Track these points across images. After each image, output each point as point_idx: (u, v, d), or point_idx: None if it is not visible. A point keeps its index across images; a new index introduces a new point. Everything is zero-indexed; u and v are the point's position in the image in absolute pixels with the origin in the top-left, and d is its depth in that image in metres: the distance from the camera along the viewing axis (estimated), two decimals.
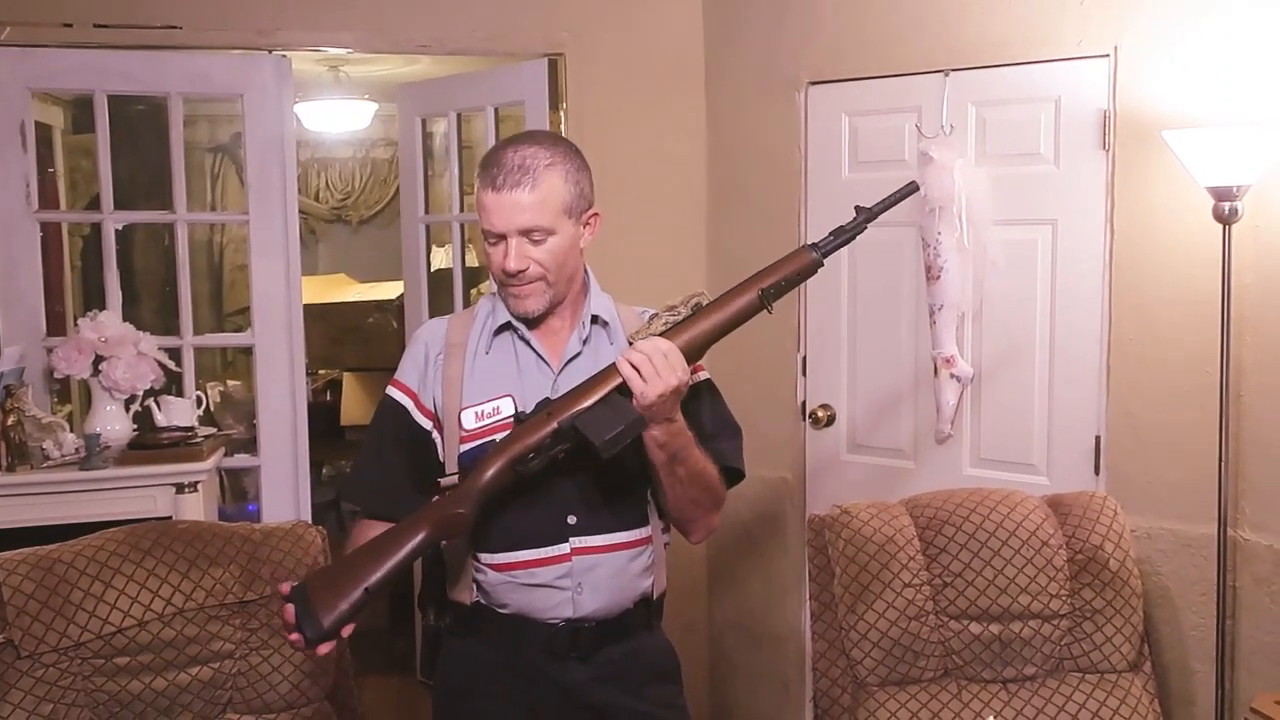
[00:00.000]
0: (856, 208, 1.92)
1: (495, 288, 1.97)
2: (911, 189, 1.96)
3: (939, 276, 3.07)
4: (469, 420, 1.90)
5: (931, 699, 2.35)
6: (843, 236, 1.90)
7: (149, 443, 3.24)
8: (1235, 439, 2.67)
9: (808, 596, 2.53)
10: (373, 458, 1.98)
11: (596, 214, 1.94)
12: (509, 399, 1.90)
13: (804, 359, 3.49)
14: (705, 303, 1.83)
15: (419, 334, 2.04)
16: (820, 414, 3.45)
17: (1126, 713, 2.34)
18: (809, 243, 1.90)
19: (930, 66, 3.12)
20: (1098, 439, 2.96)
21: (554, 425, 1.77)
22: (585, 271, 1.98)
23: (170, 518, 3.00)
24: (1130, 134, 2.81)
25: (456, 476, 1.87)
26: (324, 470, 6.00)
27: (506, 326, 1.94)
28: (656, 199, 3.65)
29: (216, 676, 2.14)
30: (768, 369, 3.55)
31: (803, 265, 1.87)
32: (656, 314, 1.85)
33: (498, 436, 1.86)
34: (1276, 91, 2.59)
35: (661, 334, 1.80)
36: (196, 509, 3.14)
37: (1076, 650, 2.38)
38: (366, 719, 2.32)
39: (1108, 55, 2.84)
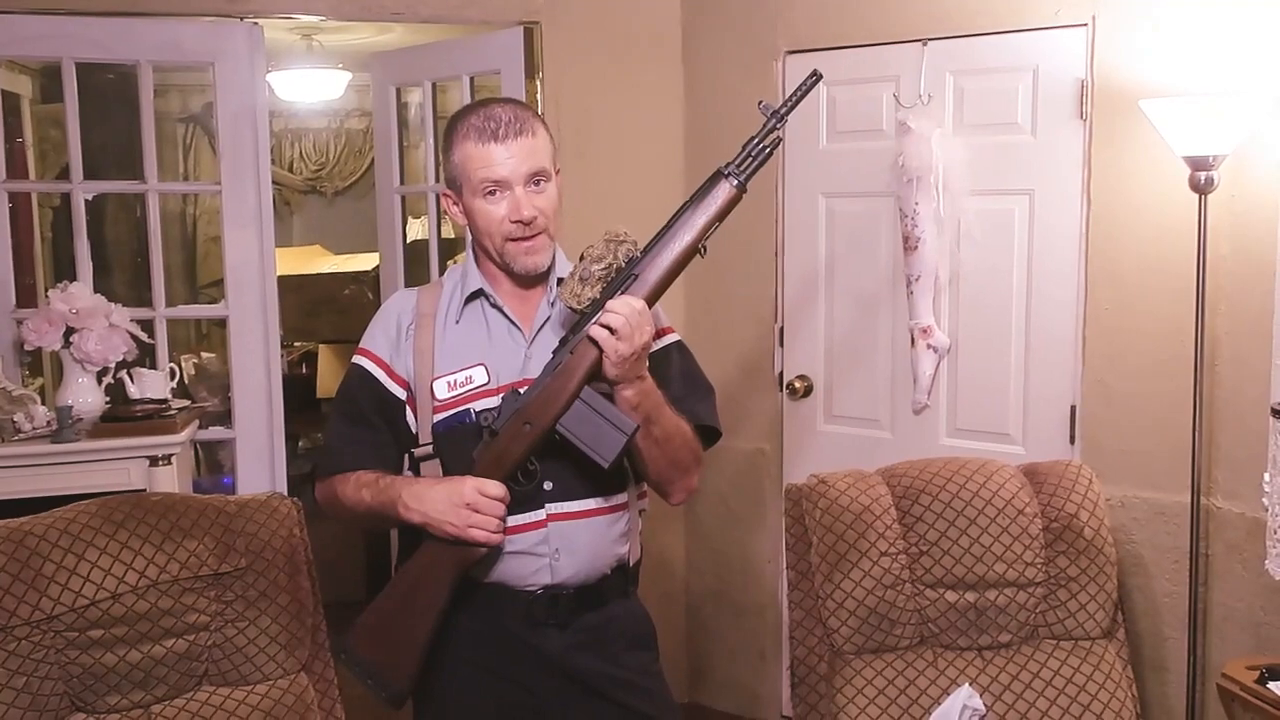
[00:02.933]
0: (762, 107, 1.86)
1: (471, 253, 1.96)
2: (815, 78, 1.87)
3: (916, 247, 3.07)
4: (441, 390, 1.89)
5: (907, 666, 2.37)
6: (759, 154, 1.82)
7: (122, 415, 3.21)
8: (1209, 408, 2.69)
9: (785, 566, 2.53)
10: (348, 426, 1.97)
11: (559, 170, 1.95)
12: (481, 367, 1.89)
13: (781, 330, 3.49)
14: (635, 252, 1.81)
15: (389, 305, 2.03)
16: (797, 385, 3.46)
17: (1100, 679, 2.36)
18: (725, 167, 1.82)
19: (908, 36, 3.11)
20: (1073, 409, 2.98)
21: (537, 435, 1.79)
22: None
23: (144, 490, 2.98)
24: (1107, 104, 2.81)
25: (431, 447, 1.89)
26: (300, 443, 5.97)
27: (477, 294, 1.93)
28: (633, 168, 3.63)
29: (192, 649, 2.12)
30: (745, 340, 3.55)
31: (727, 200, 1.81)
32: (585, 268, 1.80)
33: (472, 405, 1.86)
34: (1253, 61, 2.59)
35: (602, 299, 1.78)
36: (170, 482, 3.12)
37: (1051, 617, 2.40)
38: (343, 690, 2.31)
39: (1085, 24, 2.84)
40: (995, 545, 2.37)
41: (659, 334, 1.96)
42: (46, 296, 3.30)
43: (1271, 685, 2.27)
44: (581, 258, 1.81)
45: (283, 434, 3.65)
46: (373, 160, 5.15)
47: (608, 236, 1.82)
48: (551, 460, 1.85)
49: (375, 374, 1.95)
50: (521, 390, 1.83)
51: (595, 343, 1.76)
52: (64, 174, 3.58)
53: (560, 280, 1.91)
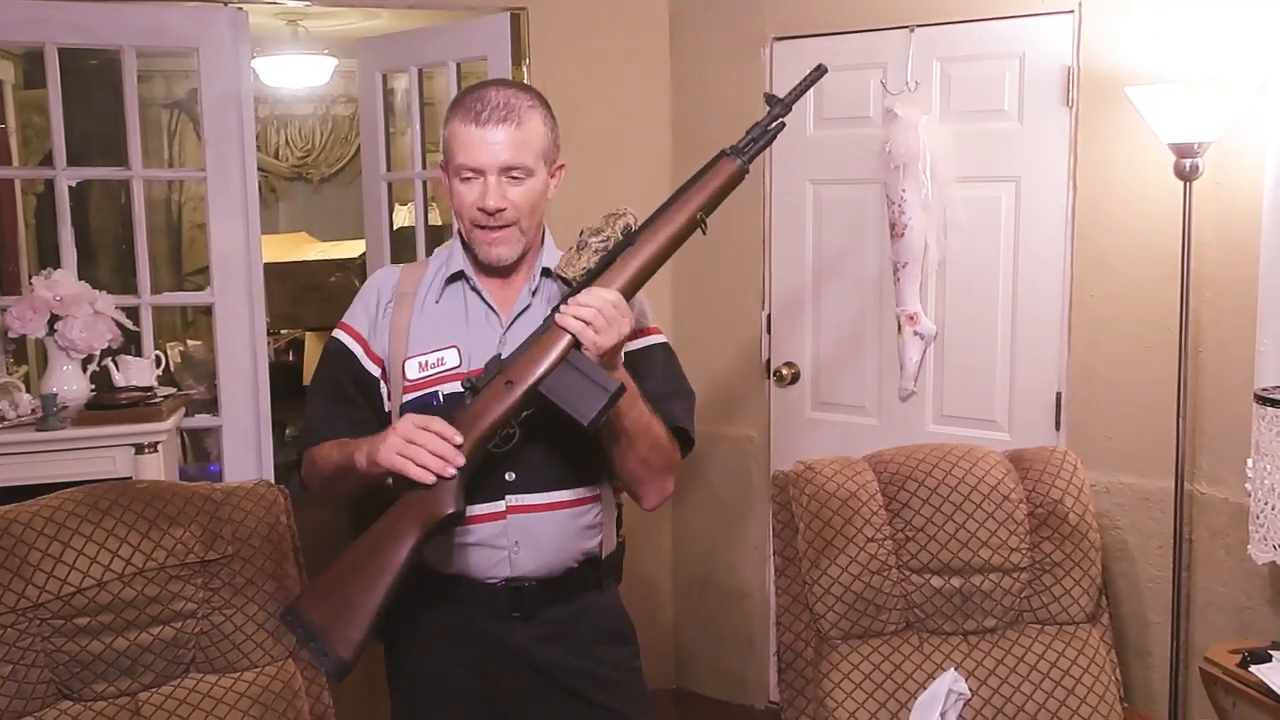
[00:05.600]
0: (767, 96, 1.85)
1: (458, 236, 1.93)
2: (820, 72, 1.89)
3: (903, 234, 3.08)
4: (413, 370, 1.86)
5: (893, 651, 2.38)
6: (762, 137, 1.82)
7: (107, 403, 3.19)
8: (1193, 394, 2.70)
9: (772, 552, 2.54)
10: (327, 402, 1.94)
11: (562, 165, 1.91)
12: (454, 350, 1.86)
13: (768, 316, 3.49)
14: (634, 225, 1.77)
15: (371, 281, 2.01)
16: (785, 371, 3.46)
17: (1084, 663, 2.37)
18: (729, 148, 1.81)
19: (895, 22, 3.11)
20: (1059, 395, 2.99)
21: (518, 395, 1.72)
22: (540, 227, 1.94)
23: (130, 478, 2.97)
24: (1093, 90, 2.82)
25: None
26: (287, 430, 5.95)
27: (459, 276, 1.91)
28: (620, 155, 3.62)
29: (179, 636, 2.12)
30: (732, 327, 3.55)
31: (730, 176, 1.80)
32: (583, 240, 1.77)
33: (441, 388, 1.83)
34: (1239, 48, 2.60)
35: (598, 267, 1.75)
36: (156, 469, 3.11)
37: (1036, 602, 2.41)
38: (330, 677, 2.31)
39: (1072, 11, 2.84)
40: (980, 531, 2.39)
41: (645, 333, 1.94)
42: (30, 284, 3.28)
43: (1254, 669, 2.29)
44: (581, 232, 1.78)
45: (269, 421, 3.64)
46: (359, 147, 5.14)
47: (609, 211, 1.79)
48: (517, 450, 1.79)
49: (353, 349, 1.92)
50: (500, 355, 1.78)
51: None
52: (47, 160, 3.56)
53: (546, 270, 1.90)
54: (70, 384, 3.22)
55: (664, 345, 1.99)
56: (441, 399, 1.83)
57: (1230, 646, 2.42)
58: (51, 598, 2.03)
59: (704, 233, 1.80)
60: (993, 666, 2.37)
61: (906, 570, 2.40)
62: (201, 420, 3.71)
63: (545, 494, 1.86)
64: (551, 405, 1.72)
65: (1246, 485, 2.36)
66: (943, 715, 2.27)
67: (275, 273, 5.41)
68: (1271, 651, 2.34)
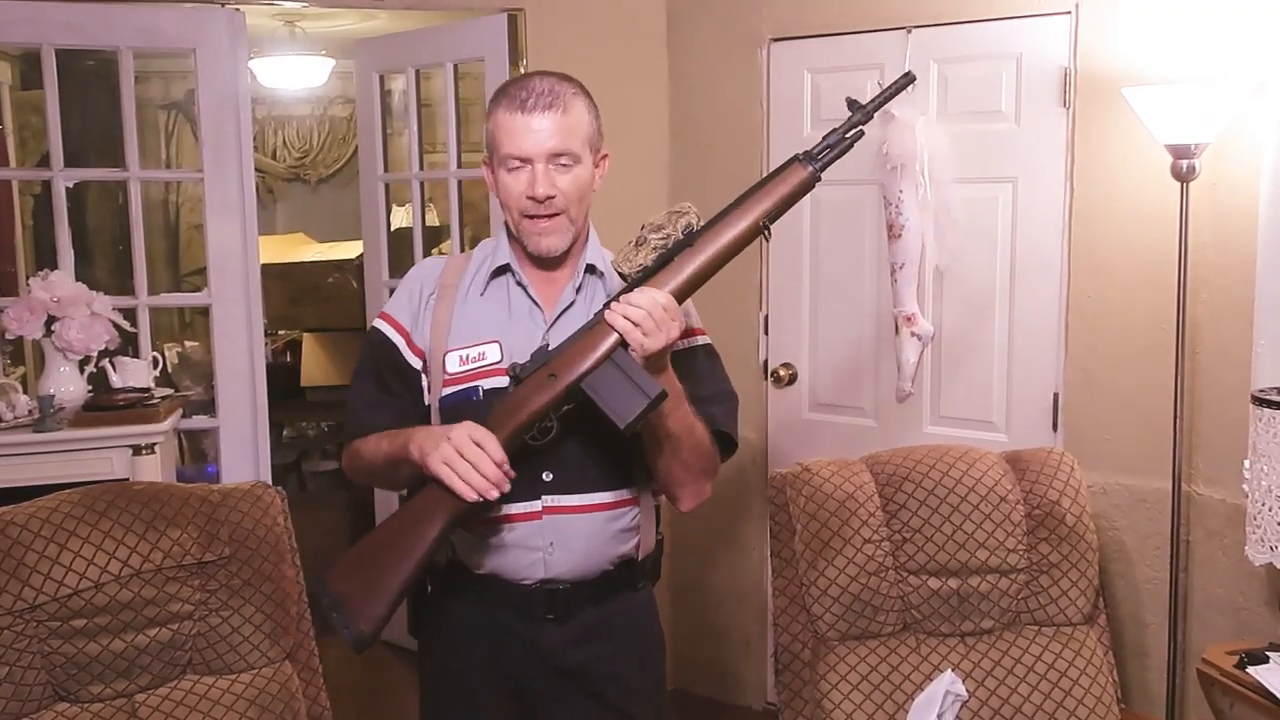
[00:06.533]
0: (849, 101, 1.79)
1: (503, 229, 1.90)
2: (909, 79, 1.84)
3: (900, 235, 3.06)
4: (453, 363, 1.84)
5: (890, 653, 2.38)
6: (839, 144, 1.77)
7: (104, 404, 3.19)
8: (1190, 396, 2.70)
9: (769, 553, 2.54)
10: (372, 392, 1.92)
11: (606, 155, 1.89)
12: (495, 344, 1.83)
13: (766, 317, 3.49)
14: (695, 225, 1.72)
15: (414, 272, 1.98)
16: (782, 373, 3.46)
17: (1081, 665, 2.37)
18: (801, 154, 1.77)
19: (892, 23, 3.11)
20: (1056, 396, 2.99)
21: (560, 389, 1.70)
22: (586, 219, 1.91)
23: (127, 480, 2.97)
24: (1091, 91, 2.82)
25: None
26: (284, 432, 5.95)
27: (504, 269, 1.88)
28: (618, 156, 3.54)
29: (175, 638, 2.12)
30: (730, 328, 3.55)
31: (800, 183, 1.75)
32: (643, 236, 1.73)
33: (482, 383, 1.81)
34: (1235, 49, 2.60)
35: (654, 267, 1.71)
36: (154, 471, 3.11)
37: (1033, 604, 2.41)
38: (328, 679, 2.31)
39: (1069, 12, 2.84)
40: (978, 532, 2.39)
41: (689, 334, 1.92)
42: (27, 285, 3.28)
43: (1251, 670, 2.29)
44: (642, 226, 1.73)
45: (267, 423, 3.64)
46: (356, 148, 5.13)
47: (672, 208, 1.74)
48: (556, 450, 1.78)
49: (395, 340, 1.90)
50: (548, 345, 1.76)
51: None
52: (44, 161, 3.56)
53: (590, 266, 1.87)
54: (67, 385, 3.21)
55: (707, 347, 1.97)
56: (482, 394, 1.81)
57: (1227, 648, 2.42)
58: (48, 599, 2.03)
59: (766, 239, 1.76)
60: (990, 668, 2.37)
61: (904, 571, 2.40)
62: (199, 421, 3.70)
63: (583, 495, 1.83)
64: (591, 403, 1.70)
65: (1243, 486, 2.35)
66: (940, 717, 2.27)
67: (273, 274, 5.41)
68: (1269, 653, 2.34)
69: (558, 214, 1.80)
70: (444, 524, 1.71)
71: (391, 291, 4.09)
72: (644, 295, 1.68)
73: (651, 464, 1.86)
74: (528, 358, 1.76)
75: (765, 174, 1.77)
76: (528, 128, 1.77)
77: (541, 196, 1.78)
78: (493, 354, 1.83)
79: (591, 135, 1.84)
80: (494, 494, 1.69)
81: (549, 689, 1.89)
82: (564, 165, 1.79)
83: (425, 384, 1.89)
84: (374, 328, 1.94)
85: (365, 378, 1.94)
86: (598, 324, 1.71)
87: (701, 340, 1.96)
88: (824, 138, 1.77)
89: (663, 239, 1.72)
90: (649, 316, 1.67)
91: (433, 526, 1.71)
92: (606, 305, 1.72)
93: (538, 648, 1.87)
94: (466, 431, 1.69)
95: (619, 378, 1.68)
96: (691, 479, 1.88)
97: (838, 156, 1.77)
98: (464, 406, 1.80)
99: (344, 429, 1.97)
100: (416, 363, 1.89)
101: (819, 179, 1.76)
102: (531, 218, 1.80)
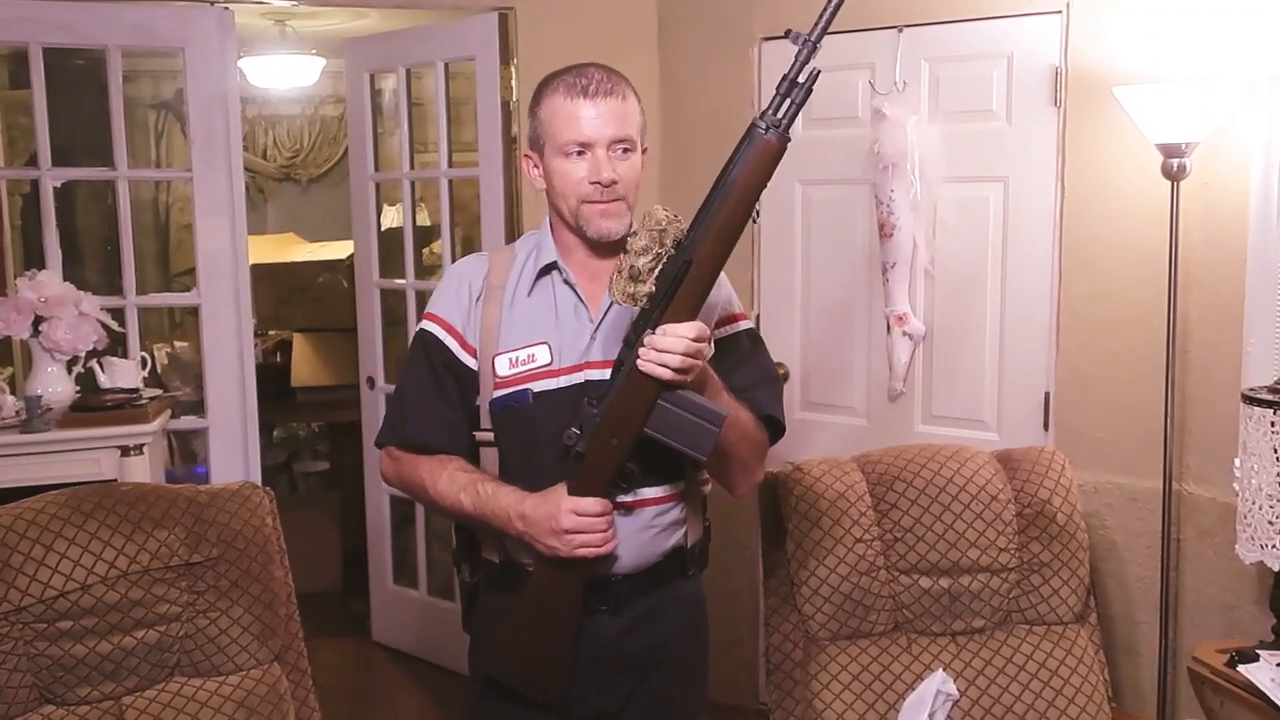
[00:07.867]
0: (789, 32, 1.66)
1: (546, 224, 1.89)
2: None
3: (892, 234, 3.07)
4: (503, 366, 1.84)
5: (882, 652, 2.37)
6: (790, 91, 1.65)
7: (92, 405, 3.18)
8: (1180, 394, 2.70)
9: (760, 553, 2.53)
10: (424, 391, 1.89)
11: (647, 149, 1.88)
12: (544, 346, 1.83)
13: (757, 317, 3.49)
14: (682, 236, 1.67)
15: (459, 270, 1.95)
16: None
17: (1072, 663, 2.37)
18: (760, 119, 1.65)
19: (884, 22, 3.11)
20: (1047, 395, 2.99)
21: (627, 447, 1.72)
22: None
23: (115, 480, 2.96)
24: (1082, 90, 2.82)
25: (491, 434, 1.85)
26: (275, 432, 5.93)
27: (550, 267, 1.87)
28: None
29: (163, 640, 2.11)
30: None
31: (771, 156, 1.67)
32: (631, 263, 1.67)
33: (532, 385, 1.81)
34: (1226, 48, 2.60)
35: (662, 295, 1.67)
36: (142, 472, 3.09)
37: (1024, 603, 2.41)
38: (317, 680, 2.30)
39: (1060, 11, 2.84)
40: (969, 531, 2.38)
41: (733, 319, 1.93)
42: (15, 285, 3.26)
43: (1241, 668, 2.29)
44: (625, 250, 1.68)
45: (256, 423, 3.63)
46: (347, 148, 5.11)
47: (649, 224, 1.68)
48: None
49: (446, 341, 1.88)
50: (590, 398, 1.74)
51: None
52: (32, 161, 3.54)
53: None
54: (55, 386, 3.20)
55: (750, 332, 1.97)
56: (531, 397, 1.81)
57: (1218, 646, 2.42)
58: (34, 601, 2.01)
59: (755, 222, 1.76)
60: (981, 667, 2.37)
61: (895, 571, 2.40)
62: (188, 422, 3.69)
63: (632, 492, 1.83)
64: (673, 450, 1.73)
65: (1234, 485, 2.36)
66: (931, 716, 2.27)
67: (263, 274, 5.39)
68: (1259, 651, 2.34)
69: (618, 199, 1.81)
70: (576, 585, 1.81)
71: (382, 291, 4.12)
72: (669, 337, 1.66)
73: None
74: (572, 364, 1.81)
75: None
76: (591, 114, 1.77)
77: (608, 181, 1.78)
78: (542, 355, 1.83)
79: (642, 125, 1.85)
80: (610, 549, 1.78)
81: (597, 678, 1.90)
82: (625, 152, 1.80)
83: (479, 386, 1.88)
84: (422, 330, 1.92)
85: (413, 383, 1.92)
86: (632, 375, 1.69)
87: (744, 325, 1.96)
88: (776, 89, 1.65)
89: (652, 260, 1.67)
90: (683, 359, 1.66)
91: (570, 595, 1.81)
92: (627, 343, 1.72)
93: (589, 638, 1.87)
94: (567, 510, 1.75)
95: (677, 415, 1.70)
96: (740, 467, 1.90)
97: (798, 108, 1.65)
98: (514, 411, 1.82)
99: (386, 433, 1.94)
100: (472, 363, 1.87)
101: (788, 139, 1.66)
102: (593, 202, 1.80)
